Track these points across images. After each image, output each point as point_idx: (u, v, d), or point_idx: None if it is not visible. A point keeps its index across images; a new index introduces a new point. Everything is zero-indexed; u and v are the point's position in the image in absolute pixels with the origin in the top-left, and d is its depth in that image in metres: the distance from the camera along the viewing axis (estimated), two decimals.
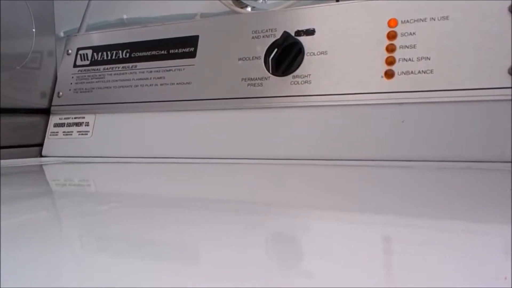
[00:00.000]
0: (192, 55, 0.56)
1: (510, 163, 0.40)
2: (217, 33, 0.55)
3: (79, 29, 0.69)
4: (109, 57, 0.61)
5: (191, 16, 0.66)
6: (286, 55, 0.49)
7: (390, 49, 0.46)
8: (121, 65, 0.60)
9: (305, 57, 0.50)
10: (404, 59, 0.46)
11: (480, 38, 0.43)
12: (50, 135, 0.62)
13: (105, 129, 0.59)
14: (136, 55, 0.59)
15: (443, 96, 0.44)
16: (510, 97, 0.41)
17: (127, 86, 0.58)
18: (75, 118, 0.61)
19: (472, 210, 0.24)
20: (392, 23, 0.47)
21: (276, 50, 0.49)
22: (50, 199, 0.32)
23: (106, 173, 0.49)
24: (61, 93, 0.63)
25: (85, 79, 0.62)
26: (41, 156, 0.62)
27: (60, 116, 0.63)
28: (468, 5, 0.44)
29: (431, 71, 0.44)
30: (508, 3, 0.42)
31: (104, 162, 0.56)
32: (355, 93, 0.47)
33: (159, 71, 0.57)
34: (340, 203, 0.27)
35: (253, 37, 0.53)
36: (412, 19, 0.46)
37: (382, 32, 0.47)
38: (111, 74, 0.60)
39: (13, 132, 0.59)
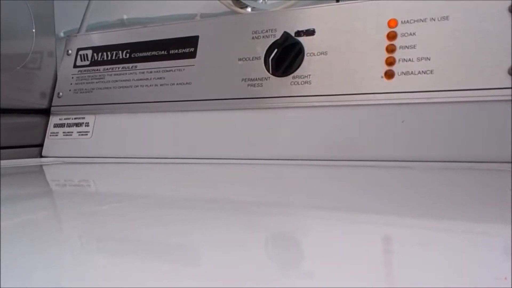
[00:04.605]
0: (192, 55, 0.56)
1: (510, 163, 0.40)
2: (217, 33, 0.55)
3: (79, 29, 0.69)
4: (109, 58, 0.61)
5: (191, 16, 0.66)
6: (286, 55, 0.49)
7: (390, 49, 0.46)
8: (121, 66, 0.60)
9: (305, 57, 0.50)
10: (404, 59, 0.46)
11: (480, 38, 0.43)
12: (50, 135, 0.62)
13: (105, 130, 0.59)
14: (136, 55, 0.59)
15: (443, 97, 0.44)
16: (510, 97, 0.41)
17: (127, 87, 0.58)
18: (75, 118, 0.61)
19: (472, 210, 0.24)
20: (392, 23, 0.47)
21: (276, 50, 0.49)
22: (50, 200, 0.32)
23: (106, 173, 0.49)
24: (61, 94, 0.63)
25: (85, 79, 0.62)
26: (41, 156, 0.62)
27: (60, 117, 0.63)
28: (468, 5, 0.44)
29: (431, 72, 0.44)
30: (508, 3, 0.42)
31: (104, 162, 0.56)
32: (355, 94, 0.47)
33: (159, 71, 0.57)
34: (340, 204, 0.27)
35: (253, 38, 0.53)
36: (412, 19, 0.46)
37: (382, 33, 0.47)
38: (111, 75, 0.60)
39: (13, 132, 0.59)
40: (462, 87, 0.43)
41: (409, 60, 0.45)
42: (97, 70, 0.61)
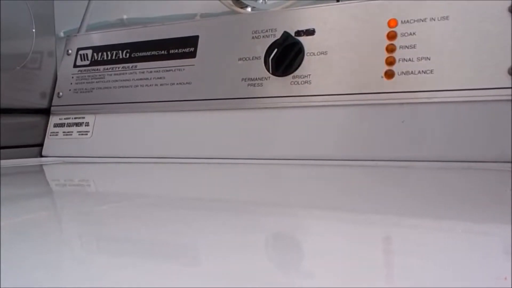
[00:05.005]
0: (192, 55, 0.56)
1: (510, 163, 0.40)
2: (217, 33, 0.55)
3: (79, 29, 0.69)
4: (109, 57, 0.61)
5: (191, 16, 0.66)
6: (286, 55, 0.49)
7: (390, 49, 0.46)
8: (121, 65, 0.60)
9: (305, 57, 0.50)
10: (404, 59, 0.46)
11: (480, 38, 0.43)
12: (50, 135, 0.62)
13: (105, 129, 0.59)
14: (136, 55, 0.59)
15: (443, 96, 0.44)
16: (510, 97, 0.41)
17: (127, 86, 0.58)
18: (75, 118, 0.61)
19: (472, 210, 0.24)
20: (392, 23, 0.47)
21: (276, 50, 0.49)
22: (50, 199, 0.32)
23: (106, 173, 0.49)
24: (61, 93, 0.63)
25: (85, 79, 0.62)
26: (41, 156, 0.62)
27: (60, 116, 0.63)
28: (468, 5, 0.44)
29: (431, 71, 0.44)
30: (508, 3, 0.42)
31: (104, 162, 0.56)
32: (355, 93, 0.47)
33: (159, 71, 0.57)
34: (340, 203, 0.27)
35: (253, 37, 0.53)
36: (412, 19, 0.46)
37: (382, 32, 0.47)
38: (111, 74, 0.60)
39: (13, 132, 0.59)
40: (462, 87, 0.43)
41: (409, 60, 0.45)
42: (97, 70, 0.61)
